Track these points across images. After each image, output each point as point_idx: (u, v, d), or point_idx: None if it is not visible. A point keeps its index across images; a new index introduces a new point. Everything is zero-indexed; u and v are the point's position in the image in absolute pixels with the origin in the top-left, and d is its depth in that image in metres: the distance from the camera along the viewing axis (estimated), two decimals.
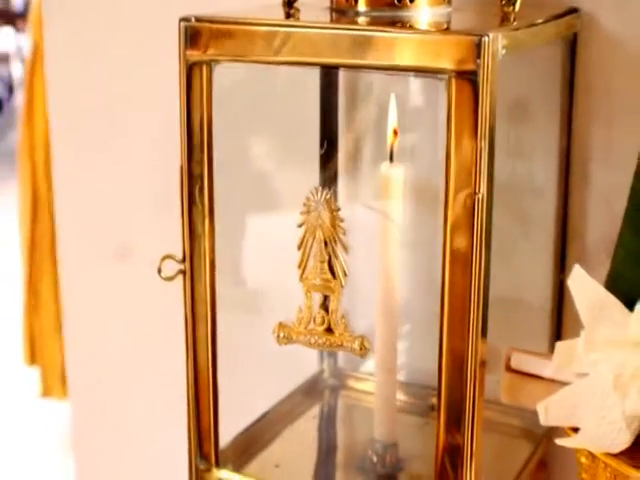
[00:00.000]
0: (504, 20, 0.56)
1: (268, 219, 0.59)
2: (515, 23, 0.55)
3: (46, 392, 2.03)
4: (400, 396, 0.69)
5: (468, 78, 0.49)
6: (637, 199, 0.54)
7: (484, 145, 0.49)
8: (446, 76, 0.49)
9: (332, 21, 0.57)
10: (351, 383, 0.77)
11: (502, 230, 0.55)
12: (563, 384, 0.53)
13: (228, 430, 0.64)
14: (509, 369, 0.56)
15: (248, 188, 0.61)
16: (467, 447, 0.53)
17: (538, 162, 0.67)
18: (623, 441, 0.50)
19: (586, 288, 0.53)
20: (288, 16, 0.59)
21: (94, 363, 0.91)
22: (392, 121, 0.61)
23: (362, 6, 0.57)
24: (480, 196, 0.50)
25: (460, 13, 0.59)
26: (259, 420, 0.69)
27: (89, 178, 0.87)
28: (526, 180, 0.68)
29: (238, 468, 0.64)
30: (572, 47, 0.64)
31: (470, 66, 0.49)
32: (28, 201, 1.95)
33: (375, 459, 0.64)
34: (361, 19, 0.57)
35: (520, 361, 0.56)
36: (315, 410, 0.73)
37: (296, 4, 0.61)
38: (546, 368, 0.55)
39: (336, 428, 0.74)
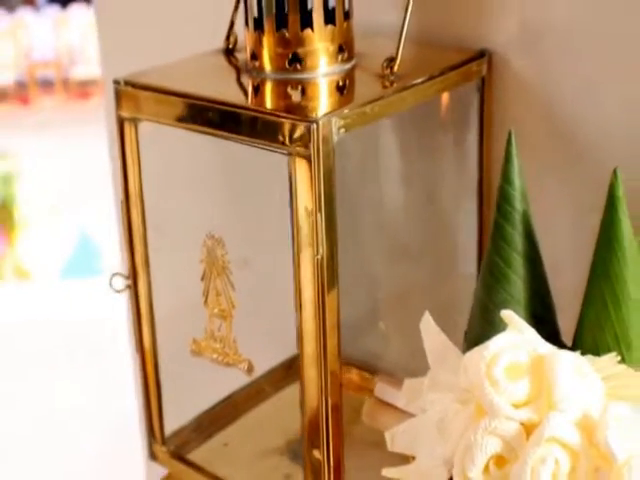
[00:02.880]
0: (383, 84, 0.62)
1: (187, 249, 0.69)
2: (383, 89, 0.61)
3: None
4: None
5: (304, 156, 0.56)
6: (488, 257, 0.59)
7: (319, 217, 0.57)
8: (287, 153, 0.57)
9: (238, 83, 0.65)
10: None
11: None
12: (411, 415, 0.61)
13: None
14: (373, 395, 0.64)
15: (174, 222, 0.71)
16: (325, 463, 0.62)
17: (456, 201, 0.73)
18: (440, 477, 0.57)
19: (432, 334, 0.60)
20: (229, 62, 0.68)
21: None
22: None
23: (267, 69, 0.64)
24: (319, 257, 0.58)
25: (356, 70, 0.65)
26: (219, 404, 0.80)
27: None
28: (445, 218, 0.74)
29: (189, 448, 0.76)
30: (481, 90, 0.68)
31: (304, 148, 0.56)
32: None
33: None
34: (268, 80, 0.64)
35: (382, 390, 0.64)
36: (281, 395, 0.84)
37: (236, 53, 0.69)
38: (400, 400, 0.62)
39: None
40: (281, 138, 0.57)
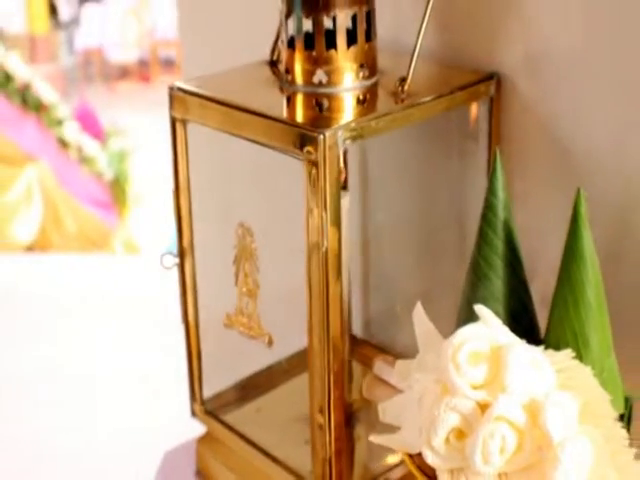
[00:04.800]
0: (395, 101, 0.70)
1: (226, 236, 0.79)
2: (394, 105, 0.69)
3: None
4: None
5: (313, 162, 0.66)
6: (473, 258, 0.68)
7: (325, 215, 0.66)
8: (300, 158, 0.66)
9: (271, 94, 0.75)
10: (361, 349, 0.96)
11: None
12: (401, 392, 0.69)
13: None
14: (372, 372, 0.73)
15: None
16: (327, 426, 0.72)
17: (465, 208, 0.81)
18: (418, 446, 0.65)
19: (422, 322, 0.68)
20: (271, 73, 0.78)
21: None
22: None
23: (298, 82, 0.74)
24: (324, 249, 0.67)
25: (375, 87, 0.74)
26: (256, 375, 0.91)
27: None
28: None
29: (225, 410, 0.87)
30: (490, 108, 0.75)
31: (313, 155, 0.65)
32: None
33: None
34: (298, 92, 0.73)
35: (380, 368, 0.73)
36: None
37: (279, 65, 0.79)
38: (393, 378, 0.71)
39: None
40: (296, 145, 0.66)
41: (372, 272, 0.95)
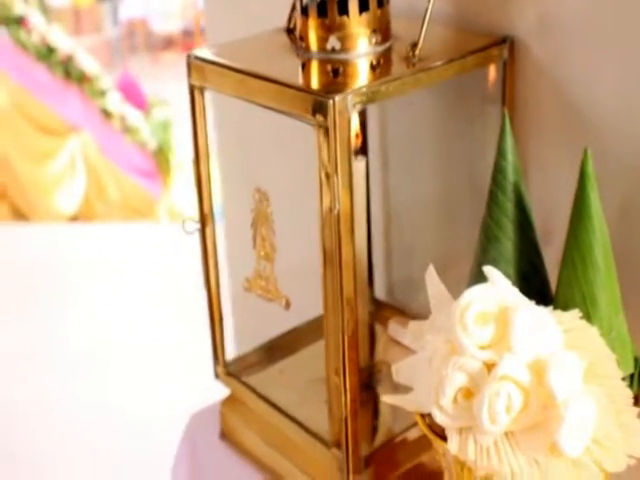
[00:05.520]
0: (407, 64, 0.71)
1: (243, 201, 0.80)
2: (405, 70, 0.70)
3: None
4: None
5: (324, 127, 0.66)
6: (483, 220, 0.68)
7: (336, 179, 0.67)
8: (312, 124, 0.67)
9: (287, 61, 0.76)
10: (384, 312, 0.97)
11: None
12: (414, 352, 0.70)
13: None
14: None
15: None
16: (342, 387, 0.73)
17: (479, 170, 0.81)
18: (429, 406, 0.66)
19: (434, 284, 0.69)
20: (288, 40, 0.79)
21: None
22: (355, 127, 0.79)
23: (312, 49, 0.74)
24: (336, 211, 0.68)
25: (388, 52, 0.74)
26: (279, 338, 0.92)
27: None
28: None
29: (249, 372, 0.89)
30: (503, 72, 0.75)
31: (323, 120, 0.66)
32: None
33: None
34: (313, 59, 0.74)
35: (394, 329, 0.74)
36: None
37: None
38: (407, 338, 0.72)
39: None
40: (307, 110, 0.67)
41: (394, 237, 0.96)
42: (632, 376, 0.66)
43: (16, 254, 3.65)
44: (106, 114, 4.24)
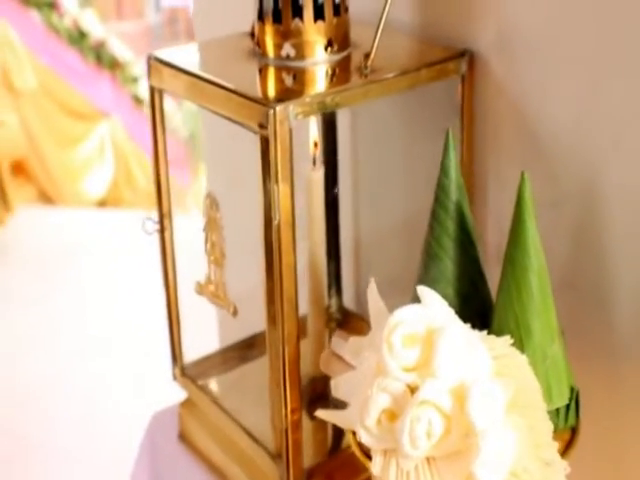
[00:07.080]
0: (360, 74, 0.69)
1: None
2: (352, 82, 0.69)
3: None
4: None
5: (264, 136, 0.65)
6: (425, 238, 0.67)
7: (276, 188, 0.66)
8: (254, 132, 0.66)
9: (242, 67, 0.75)
10: (353, 322, 0.96)
11: None
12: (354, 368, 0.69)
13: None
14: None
15: None
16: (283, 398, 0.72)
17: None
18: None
19: (374, 300, 0.68)
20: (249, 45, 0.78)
21: None
22: (313, 136, 0.78)
23: (268, 55, 0.73)
24: (276, 222, 0.67)
25: (343, 62, 0.72)
26: (237, 344, 0.92)
27: None
28: None
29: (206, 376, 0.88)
30: (462, 85, 0.74)
31: (265, 129, 0.65)
32: None
33: None
34: (269, 66, 0.73)
35: (336, 344, 0.72)
36: None
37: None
38: (347, 354, 0.71)
39: None
40: (251, 119, 0.66)
41: (363, 247, 0.95)
42: (568, 406, 0.64)
43: (42, 238, 3.68)
44: (137, 101, 4.26)
